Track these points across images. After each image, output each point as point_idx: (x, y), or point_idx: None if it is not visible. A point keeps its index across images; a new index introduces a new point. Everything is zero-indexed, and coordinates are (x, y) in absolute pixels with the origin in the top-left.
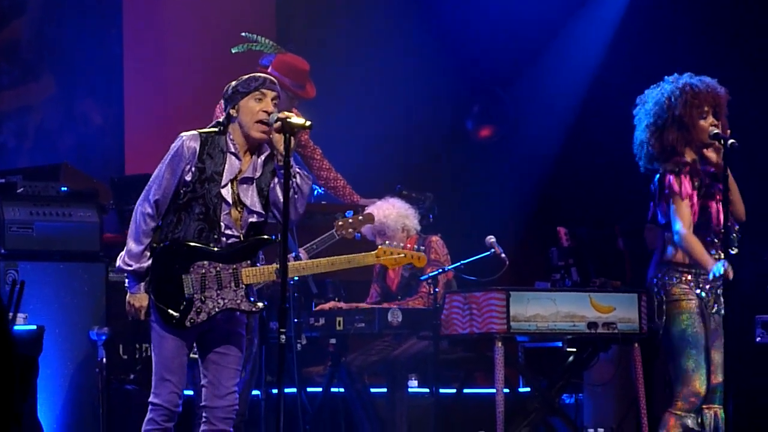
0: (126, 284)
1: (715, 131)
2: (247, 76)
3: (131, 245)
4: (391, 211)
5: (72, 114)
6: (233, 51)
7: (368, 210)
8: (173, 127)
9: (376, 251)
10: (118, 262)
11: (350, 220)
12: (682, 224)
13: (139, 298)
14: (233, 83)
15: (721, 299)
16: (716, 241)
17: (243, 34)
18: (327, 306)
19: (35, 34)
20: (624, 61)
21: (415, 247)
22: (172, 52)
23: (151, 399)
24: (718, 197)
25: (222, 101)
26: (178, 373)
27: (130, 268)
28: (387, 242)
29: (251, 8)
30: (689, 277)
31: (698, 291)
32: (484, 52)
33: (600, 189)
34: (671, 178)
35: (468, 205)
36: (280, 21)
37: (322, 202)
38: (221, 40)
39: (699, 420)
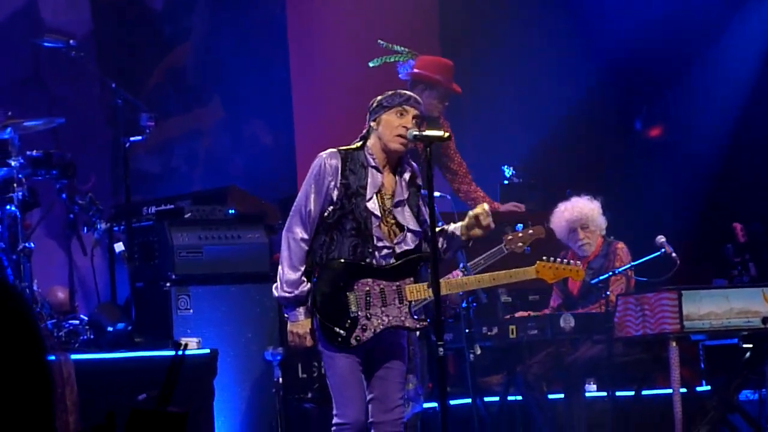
0: (285, 315)
1: None
2: (393, 92)
3: (288, 273)
4: (594, 206)
5: (240, 137)
6: (370, 65)
7: (566, 205)
8: (344, 144)
9: (535, 266)
10: (276, 293)
11: (520, 234)
12: None
13: (302, 325)
14: (379, 97)
15: None
16: None
17: (379, 41)
18: (518, 315)
19: (200, 60)
20: None
21: (599, 252)
22: (339, 71)
23: (335, 420)
24: None
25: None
26: (358, 390)
27: (291, 295)
28: (581, 241)
29: (416, 27)
30: None
31: None
32: (649, 53)
33: None
34: None
35: (637, 206)
36: (445, 40)
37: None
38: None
39: None
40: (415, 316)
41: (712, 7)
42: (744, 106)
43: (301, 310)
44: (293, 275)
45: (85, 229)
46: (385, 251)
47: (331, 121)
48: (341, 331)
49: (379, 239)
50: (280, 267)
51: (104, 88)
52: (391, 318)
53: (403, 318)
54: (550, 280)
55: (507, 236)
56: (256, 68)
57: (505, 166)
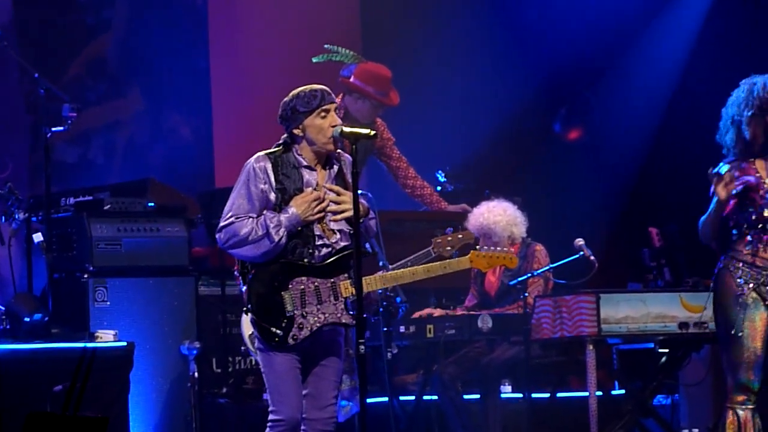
0: (289, 227)
1: None
2: (303, 94)
3: (258, 232)
4: (502, 218)
5: (160, 129)
6: (314, 60)
7: (479, 210)
8: (263, 139)
9: (469, 255)
10: (278, 236)
11: (449, 238)
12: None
13: (298, 205)
14: (288, 101)
15: None
16: None
17: (326, 46)
18: (423, 313)
19: (121, 50)
20: (711, 57)
21: (517, 253)
22: (258, 64)
23: (271, 417)
24: None
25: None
26: (294, 387)
27: (276, 225)
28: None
29: (336, 18)
30: (738, 270)
31: (741, 281)
32: (569, 55)
33: (690, 187)
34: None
35: (556, 209)
36: (366, 31)
37: (411, 210)
38: (306, 51)
39: None
40: (352, 312)
41: (632, 13)
42: (662, 111)
43: (284, 215)
44: (260, 229)
45: (3, 218)
46: (325, 250)
47: (249, 115)
48: (278, 331)
49: (320, 237)
50: (252, 246)
51: (24, 77)
52: (327, 315)
53: (339, 314)
54: (484, 268)
55: (436, 239)
56: (176, 60)
57: (439, 172)
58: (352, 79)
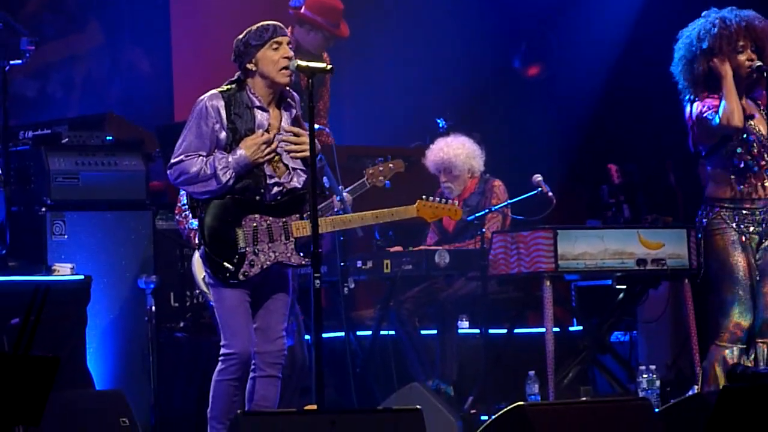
0: (237, 168)
1: (757, 64)
2: (255, 28)
3: (206, 172)
4: (461, 151)
5: (119, 63)
6: None
7: (437, 145)
8: (221, 72)
9: (416, 204)
10: (226, 178)
11: (380, 168)
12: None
13: (247, 147)
14: (241, 37)
15: None
16: None
17: None
18: (392, 249)
19: None
20: None
21: (475, 189)
22: None
23: (223, 351)
24: None
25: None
26: (245, 321)
27: (224, 167)
28: (444, 184)
29: None
30: (726, 213)
31: (734, 225)
32: None
33: (650, 124)
34: (690, 106)
35: (515, 144)
36: None
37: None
38: None
39: (753, 354)
40: (301, 254)
41: None
42: (621, 48)
43: (232, 156)
44: (208, 169)
45: None
46: (276, 189)
47: (208, 49)
48: (229, 266)
49: (271, 177)
50: (200, 185)
51: None
52: (277, 254)
53: (289, 254)
54: (429, 218)
55: (368, 170)
56: None
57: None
58: (302, 10)
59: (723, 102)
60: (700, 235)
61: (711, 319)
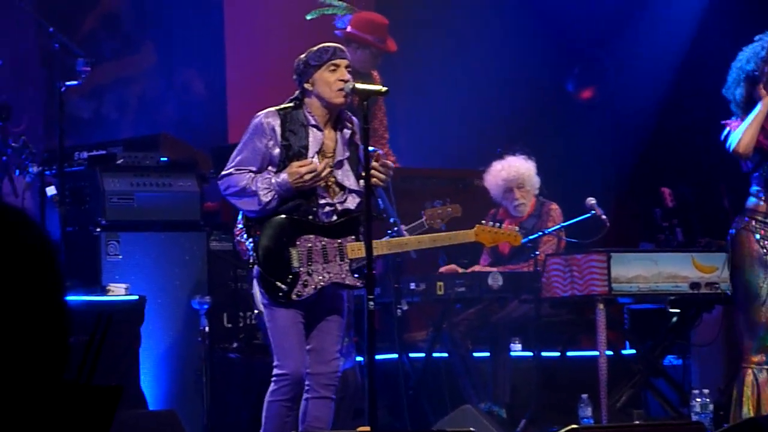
0: (280, 192)
1: None
2: (316, 48)
3: (250, 189)
4: (531, 166)
5: (173, 84)
6: (308, 17)
7: (504, 163)
8: (276, 93)
9: (474, 229)
10: (267, 198)
11: (439, 211)
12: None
13: (291, 174)
14: (302, 57)
15: None
16: None
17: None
18: (444, 269)
19: (135, 5)
20: (725, 15)
21: (533, 211)
22: (273, 19)
23: (275, 371)
24: None
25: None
26: (298, 342)
27: (269, 190)
28: (517, 201)
29: None
30: (756, 224)
31: (758, 236)
32: (582, 14)
33: (704, 147)
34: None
35: (569, 168)
36: None
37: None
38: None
39: None
40: (356, 275)
41: None
42: (675, 71)
43: (275, 179)
44: (253, 186)
45: (17, 171)
46: (327, 209)
47: (263, 71)
48: (282, 286)
49: (322, 197)
50: (246, 200)
51: (40, 31)
52: (332, 275)
53: (343, 275)
54: (488, 243)
55: (427, 211)
56: (190, 15)
57: None
58: (349, 29)
59: (739, 127)
60: (728, 247)
61: (739, 337)
